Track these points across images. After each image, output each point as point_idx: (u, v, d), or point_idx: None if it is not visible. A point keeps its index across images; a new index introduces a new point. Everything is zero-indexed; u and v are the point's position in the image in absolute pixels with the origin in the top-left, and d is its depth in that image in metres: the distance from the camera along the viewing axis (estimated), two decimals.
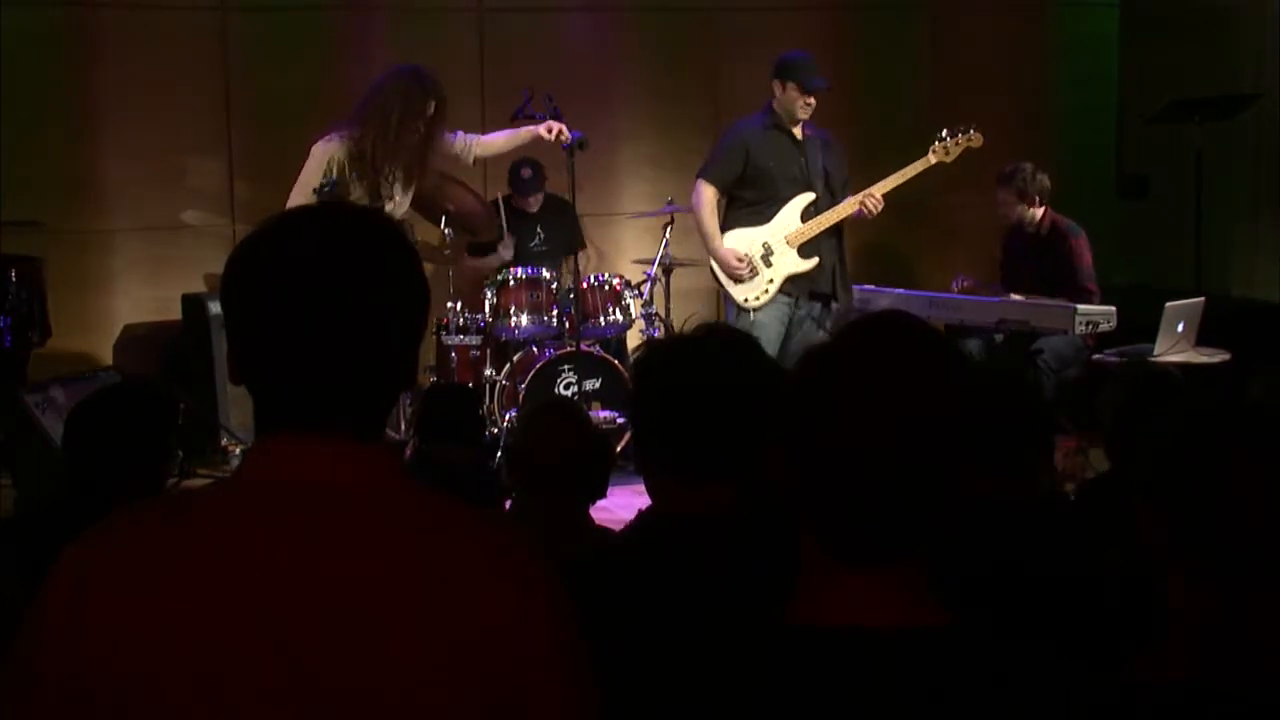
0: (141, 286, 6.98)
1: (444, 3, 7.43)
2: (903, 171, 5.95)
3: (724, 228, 5.94)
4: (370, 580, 1.31)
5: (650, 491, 2.03)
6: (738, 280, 5.89)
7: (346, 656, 1.29)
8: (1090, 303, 6.23)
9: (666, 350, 2.11)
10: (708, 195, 5.90)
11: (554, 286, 6.40)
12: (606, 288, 6.48)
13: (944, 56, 8.15)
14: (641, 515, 2.03)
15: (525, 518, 3.12)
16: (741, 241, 5.89)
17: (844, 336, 1.39)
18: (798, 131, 5.90)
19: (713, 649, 1.36)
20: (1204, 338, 6.16)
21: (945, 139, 6.03)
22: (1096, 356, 6.16)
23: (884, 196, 5.90)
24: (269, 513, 1.34)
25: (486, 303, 6.43)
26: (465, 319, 6.43)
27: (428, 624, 1.30)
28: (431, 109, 5.56)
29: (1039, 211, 6.42)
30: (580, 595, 1.41)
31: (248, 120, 7.06)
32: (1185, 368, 5.84)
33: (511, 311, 6.38)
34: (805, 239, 5.87)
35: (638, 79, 7.68)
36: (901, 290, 6.43)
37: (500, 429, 6.24)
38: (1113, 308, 6.01)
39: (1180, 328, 6.07)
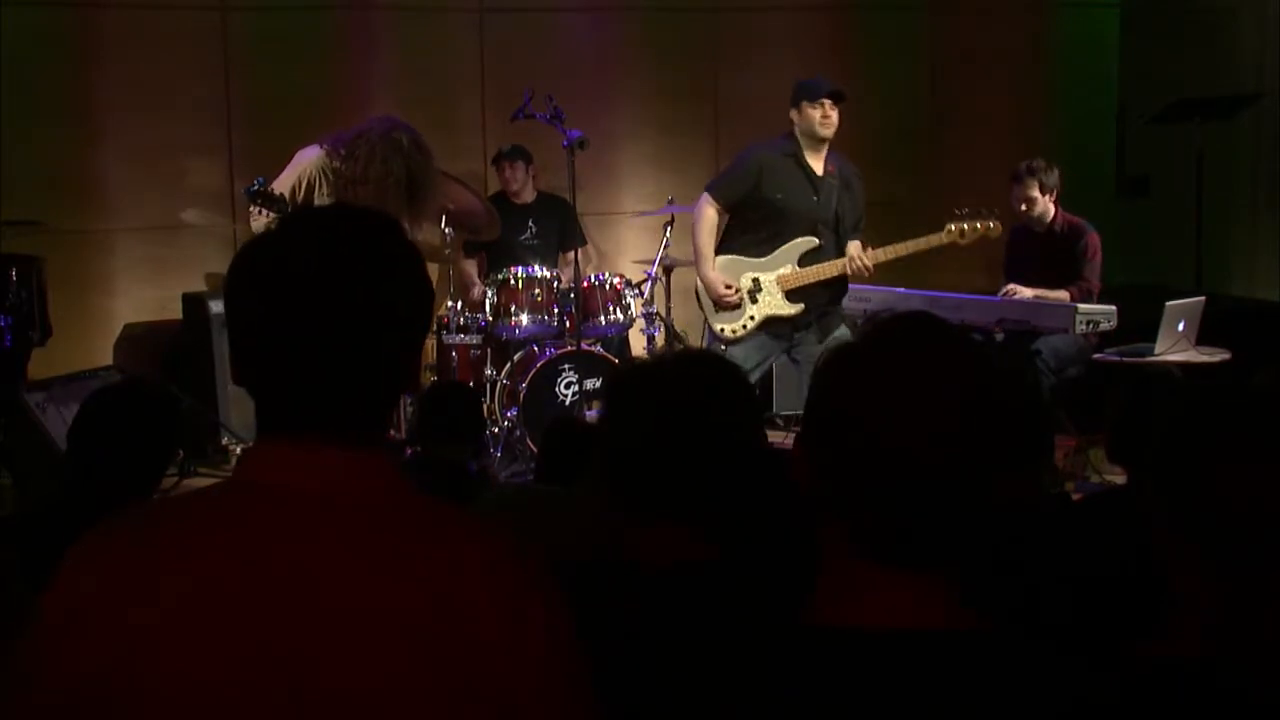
0: (141, 286, 6.97)
1: (444, 3, 7.42)
2: (909, 243, 5.64)
3: (721, 249, 5.67)
4: (366, 586, 1.31)
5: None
6: (722, 308, 5.63)
7: (340, 662, 1.29)
8: (1092, 299, 6.17)
9: (642, 376, 1.93)
10: (709, 213, 5.61)
11: (555, 285, 6.40)
12: (607, 287, 6.47)
13: (944, 56, 8.14)
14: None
15: (572, 510, 3.06)
16: (731, 270, 5.62)
17: (882, 336, 1.33)
18: (818, 167, 5.59)
19: (733, 651, 1.33)
20: (1204, 337, 6.15)
21: (964, 219, 5.68)
22: (1097, 356, 6.14)
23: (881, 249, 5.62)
24: (268, 516, 1.33)
25: (487, 302, 6.43)
26: (465, 319, 6.43)
27: (422, 630, 1.30)
28: (400, 171, 5.45)
29: (1052, 207, 6.37)
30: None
31: (248, 120, 7.05)
32: (1185, 367, 5.84)
33: (512, 311, 6.38)
34: (797, 285, 5.58)
35: (638, 79, 7.68)
36: (901, 289, 6.40)
37: (501, 428, 6.24)
38: (1113, 307, 6.00)
39: (1180, 327, 6.06)
